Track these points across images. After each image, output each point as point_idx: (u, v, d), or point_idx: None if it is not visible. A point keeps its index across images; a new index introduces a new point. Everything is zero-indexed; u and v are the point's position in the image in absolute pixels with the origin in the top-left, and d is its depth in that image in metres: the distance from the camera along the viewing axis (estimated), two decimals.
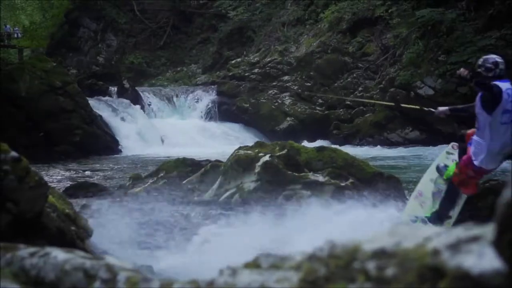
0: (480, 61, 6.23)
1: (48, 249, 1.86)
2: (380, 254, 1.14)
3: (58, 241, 3.08)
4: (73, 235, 3.34)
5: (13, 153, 2.89)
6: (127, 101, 20.12)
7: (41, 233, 3.12)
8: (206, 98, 22.33)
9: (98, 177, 11.65)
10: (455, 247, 1.04)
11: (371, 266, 1.13)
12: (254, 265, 1.50)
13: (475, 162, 5.97)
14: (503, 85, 6.00)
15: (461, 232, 1.07)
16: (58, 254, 1.78)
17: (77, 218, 3.56)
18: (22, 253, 1.88)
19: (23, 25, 42.42)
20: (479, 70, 6.16)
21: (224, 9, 27.48)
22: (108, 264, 1.68)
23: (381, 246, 1.16)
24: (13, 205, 2.92)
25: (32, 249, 1.89)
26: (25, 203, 2.93)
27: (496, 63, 6.08)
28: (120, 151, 17.47)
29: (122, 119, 19.14)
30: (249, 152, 7.18)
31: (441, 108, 6.87)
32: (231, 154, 7.47)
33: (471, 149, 6.08)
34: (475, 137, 6.04)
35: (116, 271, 1.65)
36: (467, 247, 1.03)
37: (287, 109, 20.09)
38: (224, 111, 21.70)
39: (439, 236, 1.09)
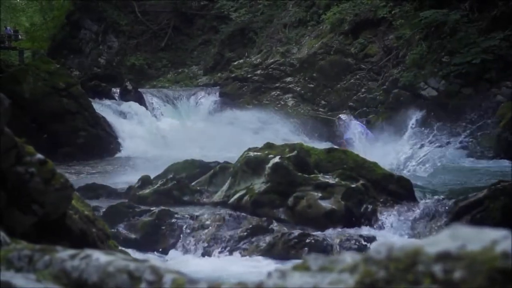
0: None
1: (89, 251, 1.86)
2: (445, 257, 1.15)
3: (80, 242, 3.09)
4: (95, 237, 3.34)
5: (39, 155, 2.89)
6: (130, 103, 20.11)
7: (64, 235, 3.12)
8: (209, 99, 22.32)
9: (104, 178, 11.65)
10: None
11: (437, 268, 1.13)
12: (303, 267, 1.50)
13: None
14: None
15: None
16: (100, 256, 1.79)
17: (96, 220, 3.57)
18: (61, 255, 1.88)
19: (14, 26, 42.47)
20: None
21: (226, 10, 27.47)
22: (153, 266, 1.69)
23: (445, 249, 1.16)
24: (39, 207, 2.92)
25: (71, 251, 1.90)
26: (50, 205, 2.93)
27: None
28: (124, 152, 17.47)
29: (126, 120, 19.14)
30: (258, 153, 7.18)
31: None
32: (241, 156, 7.47)
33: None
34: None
35: (161, 273, 1.66)
36: None
37: (290, 111, 20.10)
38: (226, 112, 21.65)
39: (507, 239, 1.10)
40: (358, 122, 14.20)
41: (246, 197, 7.04)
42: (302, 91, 20.37)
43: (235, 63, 23.44)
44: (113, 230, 6.51)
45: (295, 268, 1.49)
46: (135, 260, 1.79)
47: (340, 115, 12.86)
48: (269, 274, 1.49)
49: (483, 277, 1.08)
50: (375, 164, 7.20)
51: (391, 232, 6.60)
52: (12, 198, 2.81)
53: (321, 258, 1.49)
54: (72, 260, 1.84)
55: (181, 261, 6.44)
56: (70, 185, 3.02)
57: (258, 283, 1.51)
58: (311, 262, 1.49)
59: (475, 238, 1.16)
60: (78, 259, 1.83)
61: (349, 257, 1.40)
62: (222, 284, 1.62)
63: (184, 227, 6.87)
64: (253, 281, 1.52)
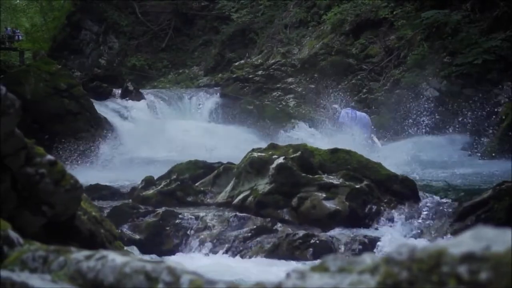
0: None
1: (104, 252, 1.86)
2: (470, 258, 1.15)
3: (89, 243, 3.08)
4: (103, 238, 3.34)
5: (49, 156, 2.89)
6: (131, 103, 20.13)
7: (73, 236, 3.12)
8: (210, 100, 22.31)
9: (106, 179, 11.62)
10: None
11: (462, 270, 1.13)
12: (322, 268, 1.49)
13: None
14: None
15: None
16: (116, 257, 1.79)
17: (103, 221, 3.57)
18: (77, 256, 1.88)
19: (14, 27, 42.48)
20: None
21: (227, 11, 27.48)
22: (170, 267, 1.69)
23: (469, 250, 1.16)
24: (49, 208, 2.92)
25: (86, 252, 1.90)
26: (60, 206, 2.93)
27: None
28: (126, 153, 17.45)
29: (127, 121, 19.15)
30: (262, 154, 7.18)
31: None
32: (244, 156, 7.47)
33: None
34: None
35: (178, 274, 1.66)
36: None
37: (292, 111, 20.11)
38: (228, 113, 21.66)
39: None
40: (347, 108, 15.57)
41: (250, 198, 7.04)
42: (303, 92, 20.37)
43: (236, 63, 23.44)
44: (117, 230, 6.51)
45: (314, 269, 1.49)
46: (152, 261, 1.80)
47: (333, 105, 14.48)
48: (288, 275, 1.48)
49: (509, 278, 1.08)
50: (379, 164, 7.20)
51: (395, 233, 6.59)
52: (22, 199, 2.81)
53: (340, 259, 1.49)
54: (88, 261, 1.84)
55: (185, 262, 6.43)
56: (80, 186, 3.02)
57: (276, 284, 1.51)
58: (330, 263, 1.48)
59: (499, 239, 1.16)
60: (93, 260, 1.83)
61: (368, 258, 1.39)
62: (239, 285, 1.63)
63: (189, 228, 6.87)
64: (271, 281, 1.52)
